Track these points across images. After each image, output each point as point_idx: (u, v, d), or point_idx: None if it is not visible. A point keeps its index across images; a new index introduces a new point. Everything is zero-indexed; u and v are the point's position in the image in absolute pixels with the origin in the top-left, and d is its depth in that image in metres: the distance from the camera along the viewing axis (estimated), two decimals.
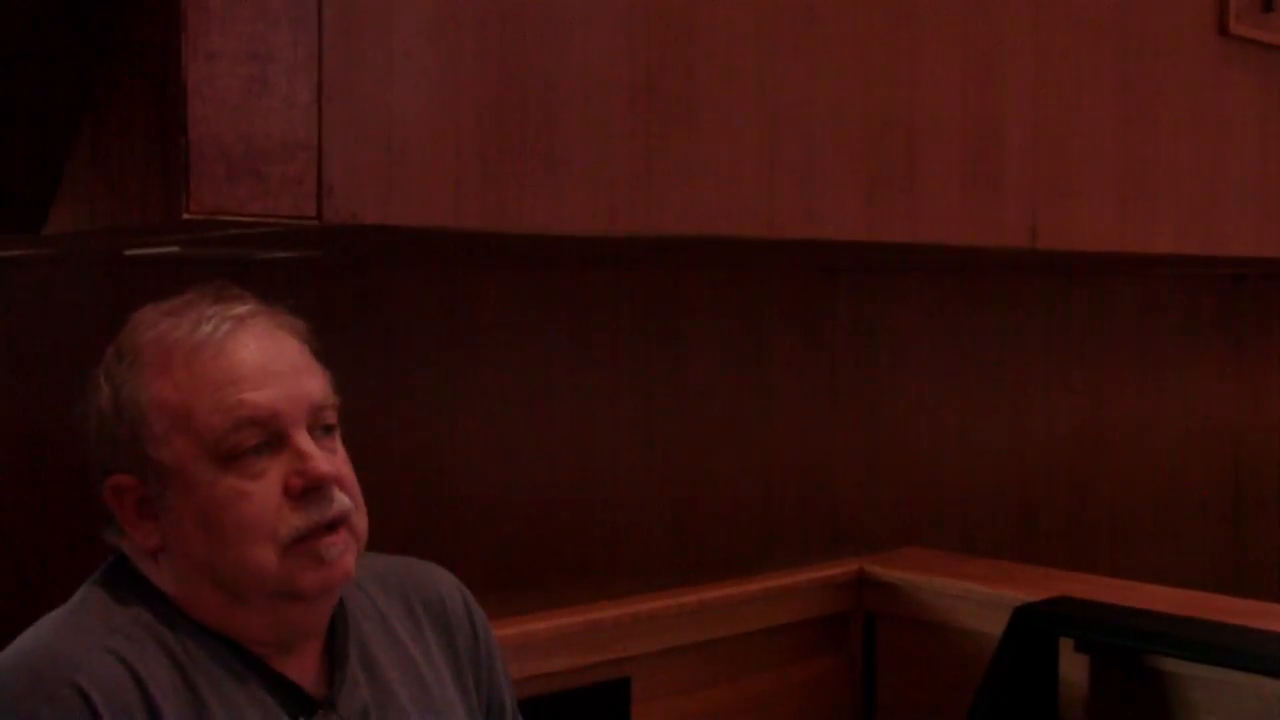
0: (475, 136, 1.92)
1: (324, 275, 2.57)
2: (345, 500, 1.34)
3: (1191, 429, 4.42)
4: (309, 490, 1.30)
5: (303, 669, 1.36)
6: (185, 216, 1.63)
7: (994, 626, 2.46)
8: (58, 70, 1.79)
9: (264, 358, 1.32)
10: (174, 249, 2.11)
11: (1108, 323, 4.19)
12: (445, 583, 1.56)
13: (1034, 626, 2.43)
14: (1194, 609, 2.46)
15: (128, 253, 2.25)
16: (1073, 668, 2.41)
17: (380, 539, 1.53)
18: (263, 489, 1.29)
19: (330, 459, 1.34)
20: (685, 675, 2.48)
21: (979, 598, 2.59)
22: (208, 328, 1.32)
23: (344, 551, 1.33)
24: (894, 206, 2.50)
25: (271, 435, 1.30)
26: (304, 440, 1.31)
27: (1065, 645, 2.42)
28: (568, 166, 2.02)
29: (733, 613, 2.54)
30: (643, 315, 3.09)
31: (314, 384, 1.35)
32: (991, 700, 2.41)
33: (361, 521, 1.37)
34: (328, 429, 1.35)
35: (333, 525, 1.32)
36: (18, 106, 1.80)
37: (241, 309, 1.35)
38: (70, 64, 1.77)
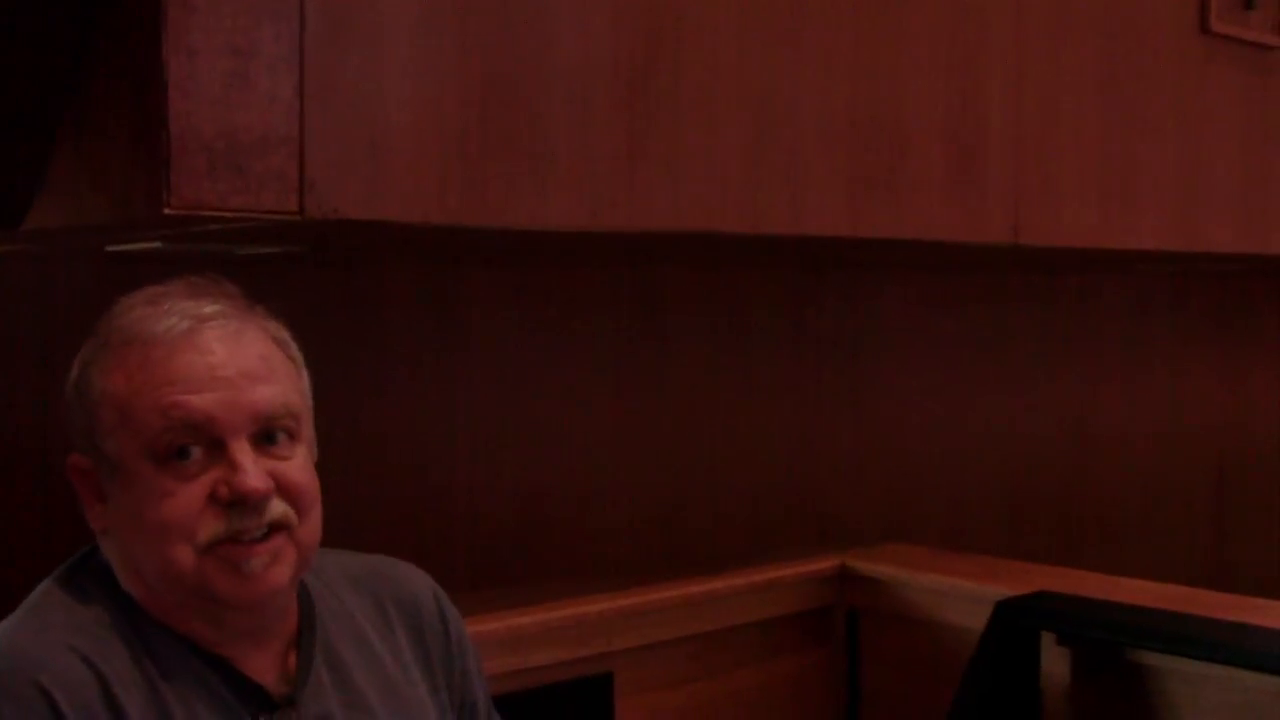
0: (458, 132, 1.92)
1: (308, 271, 2.57)
2: (279, 511, 1.31)
3: (1177, 426, 4.43)
4: (235, 502, 1.29)
5: (266, 668, 1.35)
6: (166, 211, 1.63)
7: (976, 621, 2.47)
8: (39, 65, 1.79)
9: (214, 361, 1.30)
10: (156, 244, 2.11)
11: (1094, 320, 4.20)
12: (417, 582, 1.54)
13: (1016, 621, 2.43)
14: (1176, 603, 2.46)
15: (110, 248, 2.25)
16: (1055, 662, 2.41)
17: (366, 535, 1.54)
18: (189, 490, 1.28)
19: (276, 468, 1.31)
20: (668, 670, 2.48)
21: (961, 592, 2.59)
22: (168, 323, 1.31)
23: (270, 564, 1.30)
24: (878, 203, 2.50)
25: (208, 441, 1.29)
26: (240, 451, 1.29)
27: (1047, 639, 2.42)
28: (552, 162, 2.02)
29: (716, 608, 2.55)
30: (628, 311, 3.09)
31: (266, 393, 1.32)
32: (974, 694, 2.42)
33: (306, 533, 1.34)
34: (269, 436, 1.32)
35: (266, 535, 1.30)
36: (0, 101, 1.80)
37: (210, 308, 1.33)
38: (52, 59, 1.77)
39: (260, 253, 2.36)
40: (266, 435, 1.32)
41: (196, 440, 1.29)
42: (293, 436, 1.35)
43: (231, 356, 1.32)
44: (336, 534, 1.44)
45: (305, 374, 1.40)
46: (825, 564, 2.75)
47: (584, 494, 2.99)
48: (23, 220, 1.83)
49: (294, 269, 2.54)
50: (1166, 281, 4.39)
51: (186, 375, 1.29)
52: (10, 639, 1.29)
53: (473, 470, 2.81)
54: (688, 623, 2.50)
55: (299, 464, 1.35)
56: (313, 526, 1.36)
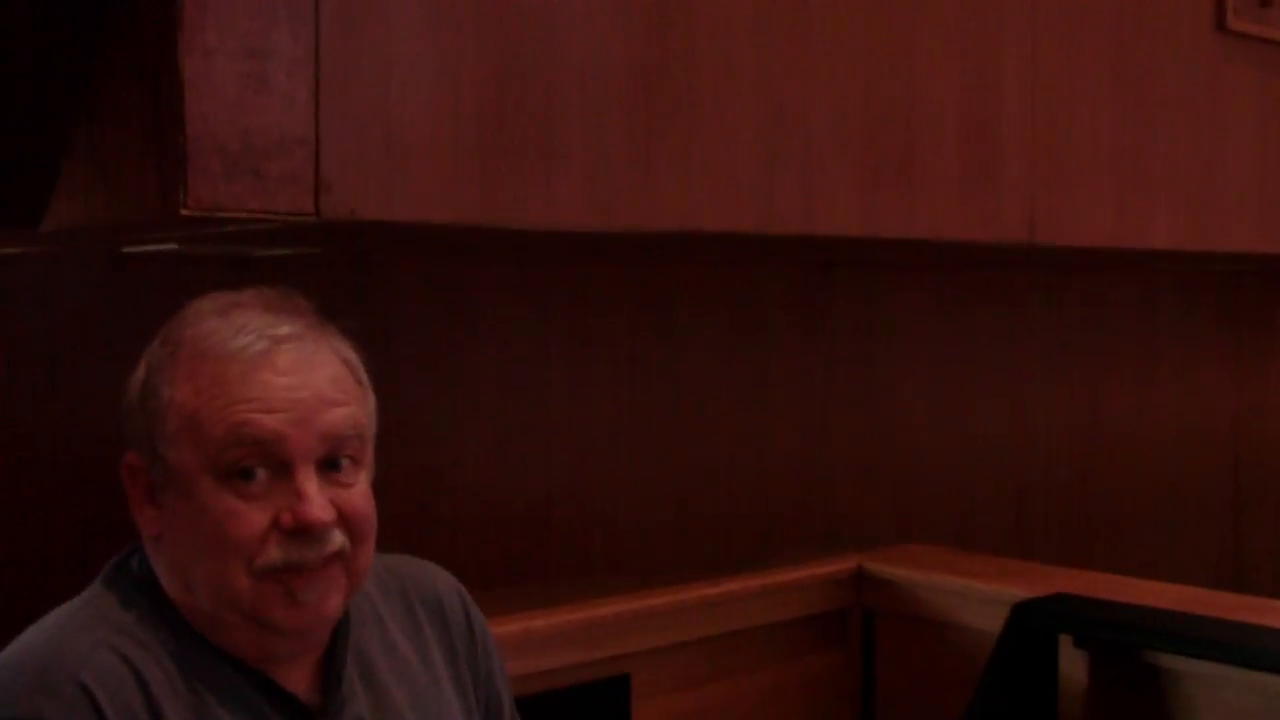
0: (473, 132, 1.91)
1: (323, 272, 2.57)
2: (338, 541, 1.31)
3: (1190, 425, 4.42)
4: (298, 531, 1.28)
5: (299, 678, 1.36)
6: (182, 213, 1.63)
7: (993, 623, 2.46)
8: (54, 66, 1.78)
9: (287, 383, 1.30)
10: (172, 246, 2.11)
11: (1106, 318, 4.19)
12: (443, 582, 1.55)
13: (1033, 623, 2.43)
14: (1193, 605, 2.45)
15: (126, 249, 2.24)
16: (1072, 664, 2.41)
17: (379, 536, 1.53)
18: (253, 513, 1.28)
19: (339, 496, 1.31)
20: (684, 672, 2.48)
21: (978, 594, 2.58)
22: (243, 340, 1.30)
23: (326, 593, 1.31)
24: (891, 201, 2.50)
25: (275, 462, 1.28)
26: (305, 478, 1.29)
27: (1064, 642, 2.41)
28: (565, 161, 2.02)
29: (731, 609, 2.54)
30: (640, 311, 3.08)
31: (337, 415, 1.32)
32: (990, 697, 2.41)
33: (360, 561, 1.34)
34: (333, 463, 1.32)
35: (323, 564, 1.30)
36: (14, 102, 1.80)
37: (286, 329, 1.33)
38: (67, 59, 1.77)
39: (275, 254, 2.36)
40: (330, 462, 1.32)
41: (264, 462, 1.28)
42: (356, 462, 1.34)
43: (306, 379, 1.31)
44: None
45: (372, 396, 1.40)
46: (841, 566, 2.74)
47: (595, 492, 2.99)
48: (40, 221, 1.83)
49: (308, 269, 2.53)
50: (1178, 280, 4.37)
51: (260, 395, 1.29)
52: (53, 637, 1.29)
53: (483, 469, 2.81)
54: (704, 624, 2.49)
55: (361, 491, 1.35)
56: (367, 554, 1.36)
